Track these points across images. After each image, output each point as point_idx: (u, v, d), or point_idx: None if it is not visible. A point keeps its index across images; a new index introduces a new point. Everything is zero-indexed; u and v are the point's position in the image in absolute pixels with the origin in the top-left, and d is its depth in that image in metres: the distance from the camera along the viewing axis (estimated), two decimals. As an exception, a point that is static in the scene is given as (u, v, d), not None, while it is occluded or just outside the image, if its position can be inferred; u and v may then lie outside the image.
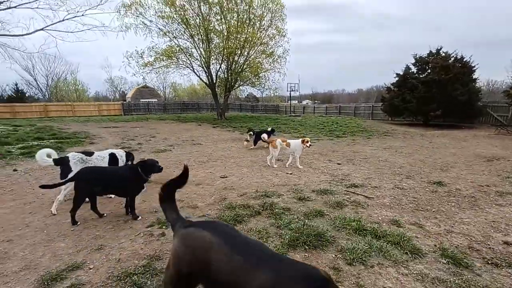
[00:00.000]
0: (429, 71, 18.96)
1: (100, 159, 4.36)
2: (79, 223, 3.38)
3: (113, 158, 4.50)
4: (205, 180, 5.44)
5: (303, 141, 6.58)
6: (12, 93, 40.00)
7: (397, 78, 20.26)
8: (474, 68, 17.88)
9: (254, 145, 9.43)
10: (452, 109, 17.23)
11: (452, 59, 18.30)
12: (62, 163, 3.97)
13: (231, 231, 1.50)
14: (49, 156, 3.92)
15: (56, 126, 16.66)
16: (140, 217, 3.54)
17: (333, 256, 2.64)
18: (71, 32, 12.28)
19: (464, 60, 18.02)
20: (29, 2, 11.02)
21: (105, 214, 3.63)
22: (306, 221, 3.39)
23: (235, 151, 8.90)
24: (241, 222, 3.39)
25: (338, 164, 7.01)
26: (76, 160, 4.05)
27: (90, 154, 4.32)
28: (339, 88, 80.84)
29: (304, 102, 49.92)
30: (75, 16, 11.83)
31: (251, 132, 9.65)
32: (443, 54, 18.85)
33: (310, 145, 6.57)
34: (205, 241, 1.40)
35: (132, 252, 2.74)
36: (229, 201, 4.12)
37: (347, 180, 5.45)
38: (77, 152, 4.25)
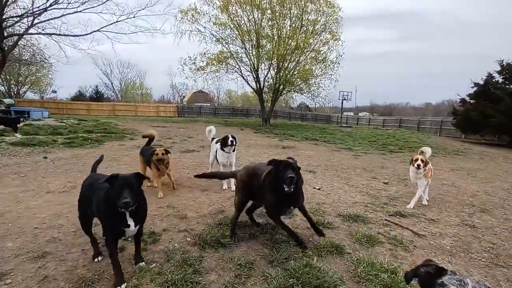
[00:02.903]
0: (521, 80, 15.40)
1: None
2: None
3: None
4: (212, 187, 4.75)
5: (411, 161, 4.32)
6: (93, 94, 46.87)
7: (475, 88, 16.96)
8: None
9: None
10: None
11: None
12: None
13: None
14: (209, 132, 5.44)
15: (114, 122, 18.18)
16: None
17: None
18: (124, 33, 13.21)
19: None
20: (95, 6, 12.16)
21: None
22: (315, 259, 2.39)
23: (266, 157, 8.08)
24: (225, 246, 2.57)
25: (385, 183, 5.63)
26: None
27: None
28: (403, 101, 72.87)
29: (361, 114, 46.40)
30: (128, 18, 12.69)
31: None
32: (543, 60, 15.09)
33: (418, 164, 4.12)
34: None
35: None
36: (226, 214, 3.34)
37: (391, 206, 4.16)
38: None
